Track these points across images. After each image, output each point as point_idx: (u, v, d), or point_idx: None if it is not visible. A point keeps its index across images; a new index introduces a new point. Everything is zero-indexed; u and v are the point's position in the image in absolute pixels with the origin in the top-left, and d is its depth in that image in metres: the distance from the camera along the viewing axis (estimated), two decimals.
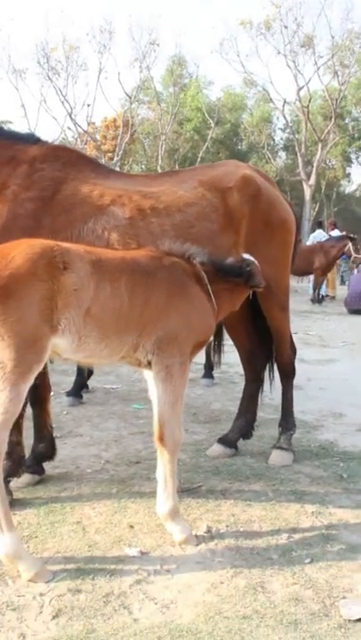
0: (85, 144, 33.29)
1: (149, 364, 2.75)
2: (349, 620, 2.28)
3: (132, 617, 2.26)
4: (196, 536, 2.85)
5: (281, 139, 35.41)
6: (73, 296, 2.49)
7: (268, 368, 4.06)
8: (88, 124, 30.16)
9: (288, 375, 3.91)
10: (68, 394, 5.04)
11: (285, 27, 26.36)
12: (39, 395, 3.34)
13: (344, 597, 2.43)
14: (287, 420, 3.94)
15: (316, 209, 33.44)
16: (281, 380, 3.96)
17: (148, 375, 2.85)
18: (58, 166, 3.08)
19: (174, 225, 3.13)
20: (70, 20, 43.91)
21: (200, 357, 6.47)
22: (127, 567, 2.59)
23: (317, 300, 13.64)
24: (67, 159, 3.15)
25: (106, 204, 3.05)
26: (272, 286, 3.58)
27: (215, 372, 6.09)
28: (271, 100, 30.58)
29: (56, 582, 2.45)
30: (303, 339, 8.91)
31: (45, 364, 3.38)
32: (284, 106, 29.60)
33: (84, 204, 3.02)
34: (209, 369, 6.01)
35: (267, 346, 3.93)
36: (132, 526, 2.94)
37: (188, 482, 3.49)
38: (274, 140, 35.28)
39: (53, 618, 2.23)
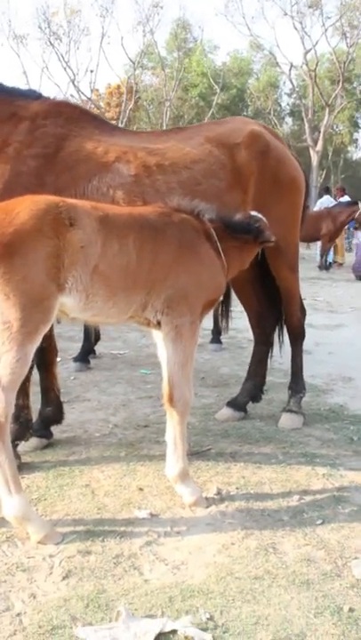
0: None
1: (159, 323, 2.68)
2: None
3: (142, 578, 2.23)
4: (206, 498, 2.82)
5: (288, 104, 34.70)
6: (80, 253, 2.41)
7: (277, 331, 3.98)
8: (91, 90, 29.59)
9: (297, 338, 3.84)
10: (75, 359, 5.00)
11: None
12: (46, 358, 3.29)
13: (356, 558, 2.40)
14: (297, 382, 3.88)
15: (323, 176, 32.88)
16: (290, 343, 3.89)
17: (158, 336, 2.78)
18: (60, 122, 2.96)
19: (181, 182, 3.02)
20: None
21: (208, 322, 6.41)
22: (137, 529, 2.56)
23: (325, 266, 13.49)
24: (69, 115, 3.03)
25: (110, 161, 2.94)
26: (281, 245, 3.48)
27: (223, 338, 6.03)
28: (278, 64, 29.84)
29: (65, 544, 2.42)
30: (311, 304, 8.80)
31: (52, 327, 3.33)
32: (290, 70, 28.87)
33: (88, 162, 2.91)
34: (217, 334, 5.95)
35: (276, 308, 3.86)
36: (141, 489, 2.91)
37: (198, 445, 3.45)
38: (280, 105, 34.57)
39: (63, 579, 2.21)
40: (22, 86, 3.38)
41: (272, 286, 3.77)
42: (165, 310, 2.62)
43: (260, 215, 3.05)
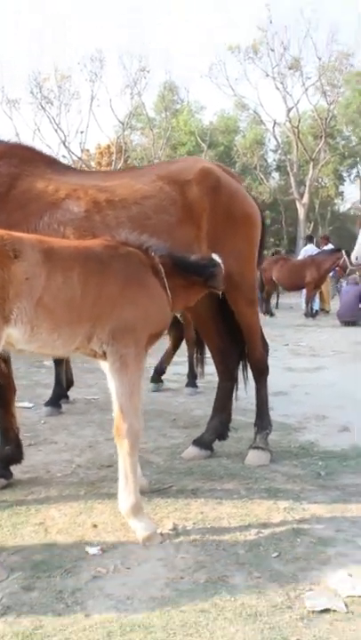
0: None
1: (105, 354, 2.70)
2: (313, 612, 2.17)
3: (84, 613, 2.16)
4: (161, 534, 2.75)
5: (273, 160, 35.78)
6: (24, 285, 2.44)
7: (241, 367, 3.99)
8: (82, 150, 30.52)
9: (261, 373, 3.84)
10: (47, 404, 4.96)
11: (272, 50, 26.84)
12: (4, 396, 3.28)
13: (311, 590, 2.33)
14: (262, 418, 3.85)
15: (311, 228, 33.56)
16: (254, 378, 3.89)
17: (105, 366, 2.78)
18: (14, 162, 3.07)
19: (131, 217, 3.10)
20: (61, 50, 44.76)
21: (183, 368, 6.41)
22: (86, 565, 2.49)
23: (311, 314, 13.57)
24: (23, 156, 3.14)
25: (61, 199, 3.03)
26: (237, 280, 3.54)
27: (199, 382, 6.01)
28: (262, 121, 30.98)
29: (10, 580, 2.35)
30: (294, 350, 8.86)
31: (9, 365, 3.33)
32: (274, 127, 29.97)
33: (40, 199, 3.00)
34: (192, 378, 5.93)
35: (239, 344, 3.87)
36: (95, 525, 2.85)
37: (160, 483, 3.40)
38: (267, 161, 35.64)
39: (2, 615, 2.13)
40: None
41: (234, 322, 3.80)
42: (111, 341, 2.63)
43: (219, 260, 3.11)
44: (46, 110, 28.55)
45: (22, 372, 6.42)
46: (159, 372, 6.07)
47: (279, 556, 2.57)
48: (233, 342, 3.87)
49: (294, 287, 13.92)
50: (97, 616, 2.13)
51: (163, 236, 3.11)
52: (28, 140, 36.46)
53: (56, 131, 28.67)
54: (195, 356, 5.95)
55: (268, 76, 27.76)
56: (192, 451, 3.84)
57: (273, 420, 4.72)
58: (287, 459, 3.86)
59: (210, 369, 6.83)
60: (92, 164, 35.13)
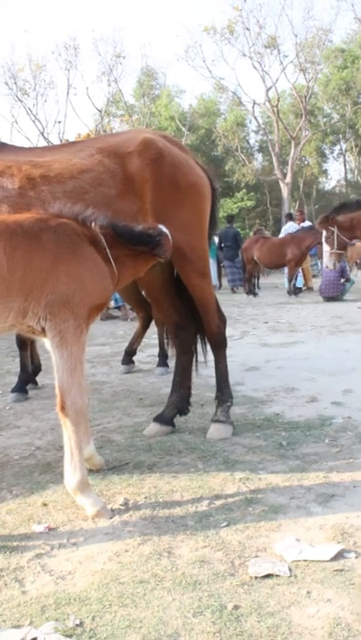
0: None
1: (44, 331, 2.63)
2: (255, 578, 2.14)
3: (22, 589, 2.11)
4: (112, 509, 2.72)
5: (256, 141, 35.56)
6: None
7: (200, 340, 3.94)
8: (60, 140, 30.18)
9: (218, 346, 3.79)
10: (12, 390, 4.90)
11: (248, 29, 26.55)
12: None
13: (256, 556, 2.30)
14: (223, 391, 3.81)
15: (296, 207, 33.49)
16: (212, 351, 3.84)
17: (47, 343, 2.72)
18: None
19: (66, 192, 3.02)
20: (35, 39, 44.20)
21: (154, 348, 6.36)
22: (31, 543, 2.45)
23: (293, 291, 13.54)
24: None
25: None
26: (186, 252, 3.48)
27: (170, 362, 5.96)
28: (242, 102, 30.73)
29: None
30: (273, 327, 8.83)
31: None
32: (253, 107, 29.75)
33: None
34: (163, 357, 5.88)
35: (195, 317, 3.81)
36: (45, 504, 2.80)
37: (117, 460, 3.35)
38: (249, 142, 35.43)
39: None
40: None
41: (189, 296, 3.74)
42: (47, 316, 2.57)
43: (164, 230, 3.05)
44: (23, 102, 28.18)
45: None
46: (130, 354, 6.01)
47: (228, 525, 2.53)
48: (189, 315, 3.81)
49: (276, 265, 13.88)
50: (34, 592, 2.09)
51: (101, 208, 3.03)
52: (5, 132, 36.14)
53: (34, 122, 28.38)
54: (164, 335, 5.89)
55: (245, 55, 27.47)
56: (153, 427, 3.80)
57: (241, 395, 4.77)
58: (250, 431, 3.82)
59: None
60: None
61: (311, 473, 3.08)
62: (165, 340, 5.88)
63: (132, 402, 4.72)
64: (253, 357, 6.34)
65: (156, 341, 6.26)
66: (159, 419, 3.82)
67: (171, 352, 5.89)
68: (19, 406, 4.70)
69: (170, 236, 3.08)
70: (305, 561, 2.23)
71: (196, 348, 3.95)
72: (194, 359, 3.96)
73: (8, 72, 27.51)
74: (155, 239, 2.91)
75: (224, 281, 17.35)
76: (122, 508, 2.74)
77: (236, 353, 6.67)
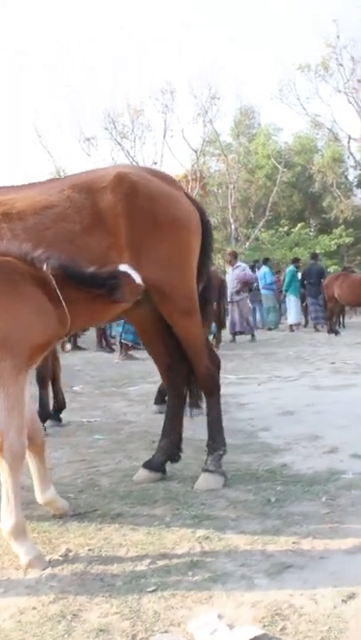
0: None
1: None
2: None
3: None
4: (50, 560, 2.56)
5: (355, 177, 34.56)
6: None
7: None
8: None
9: (208, 390, 3.55)
10: None
11: (341, 65, 26.18)
12: None
13: (166, 631, 2.04)
14: (214, 439, 3.54)
15: None
16: (205, 396, 3.60)
17: None
18: None
19: (27, 228, 2.99)
20: (133, 85, 46.60)
21: None
22: None
23: None
24: None
25: None
26: (166, 290, 3.32)
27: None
28: (338, 138, 30.14)
29: None
30: (336, 368, 8.32)
31: None
32: (349, 142, 29.00)
33: None
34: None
35: (187, 360, 3.60)
36: None
37: (88, 506, 3.20)
38: (347, 178, 34.53)
39: None
40: None
41: None
42: None
43: (128, 270, 2.93)
44: (121, 145, 29.59)
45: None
46: (162, 393, 5.84)
47: (155, 590, 2.29)
48: (181, 358, 3.60)
49: (357, 303, 13.17)
50: None
51: (64, 245, 2.98)
52: None
53: (132, 163, 29.54)
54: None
55: (340, 92, 27.04)
56: (142, 473, 3.61)
57: (259, 442, 4.47)
58: (245, 483, 3.51)
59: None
60: None
61: (283, 537, 2.74)
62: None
63: (143, 444, 4.55)
64: (296, 401, 5.94)
65: None
66: (148, 465, 3.63)
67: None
68: None
69: (135, 277, 2.95)
70: None
71: (188, 392, 3.73)
72: (186, 403, 3.74)
73: (108, 117, 29.09)
74: (108, 283, 2.79)
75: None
76: (60, 559, 2.58)
77: (280, 395, 6.33)
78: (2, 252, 2.68)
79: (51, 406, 5.28)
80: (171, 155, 38.16)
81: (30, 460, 2.90)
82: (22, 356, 2.58)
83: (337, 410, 5.40)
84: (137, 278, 2.96)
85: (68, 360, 10.51)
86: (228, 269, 13.79)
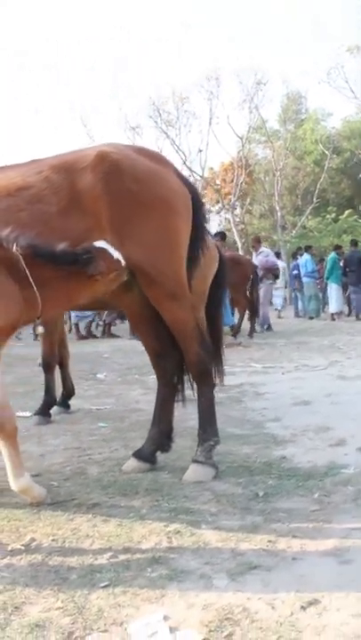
0: (205, 189, 34.14)
1: None
2: None
3: None
4: (11, 549, 2.48)
5: None
6: None
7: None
8: (202, 169, 30.95)
9: (199, 377, 3.37)
10: (36, 413, 4.88)
11: None
12: None
13: (105, 631, 1.91)
14: (205, 429, 3.37)
15: None
16: (195, 384, 3.43)
17: None
18: None
19: (0, 210, 2.90)
20: (179, 72, 46.26)
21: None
22: None
23: None
24: None
25: None
26: (150, 272, 3.16)
27: (226, 392, 5.59)
28: None
29: None
30: None
31: None
32: None
33: None
34: None
35: (178, 346, 3.44)
36: None
37: (68, 495, 3.10)
38: None
39: None
40: None
41: None
42: None
43: (104, 246, 2.82)
44: (167, 133, 29.41)
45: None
46: None
47: (107, 586, 2.16)
48: (170, 343, 3.44)
49: None
50: None
51: (39, 227, 2.87)
52: None
53: (177, 152, 29.37)
54: (211, 362, 5.52)
55: None
56: (131, 463, 3.48)
57: (264, 433, 4.26)
58: (237, 475, 3.33)
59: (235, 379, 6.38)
60: (218, 181, 35.48)
61: (260, 535, 2.56)
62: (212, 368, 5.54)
63: (144, 433, 4.33)
64: (316, 391, 5.67)
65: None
66: (138, 454, 3.50)
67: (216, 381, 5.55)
68: (35, 429, 4.65)
69: (113, 253, 2.82)
70: None
71: (179, 380, 3.57)
72: (177, 391, 3.58)
73: (153, 105, 28.93)
74: (81, 258, 2.68)
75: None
76: (22, 548, 2.49)
77: (302, 385, 6.08)
78: None
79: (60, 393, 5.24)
80: (216, 142, 37.71)
81: (2, 447, 2.82)
82: None
83: (357, 400, 5.12)
84: (115, 254, 2.83)
85: (98, 348, 10.55)
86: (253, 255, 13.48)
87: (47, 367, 5.00)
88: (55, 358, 5.08)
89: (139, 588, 2.14)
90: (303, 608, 1.96)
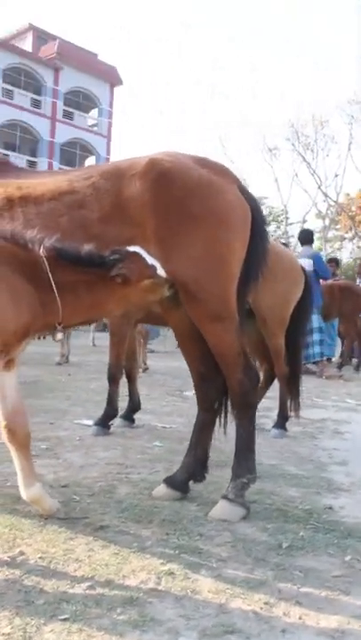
0: (339, 215, 33.10)
1: None
2: None
3: None
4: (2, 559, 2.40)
5: None
6: None
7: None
8: (337, 194, 30.02)
9: (239, 407, 3.08)
10: (95, 423, 4.85)
11: None
12: None
13: None
14: (240, 463, 3.08)
15: None
16: (235, 414, 3.14)
17: None
18: None
19: (40, 213, 2.86)
20: (319, 97, 45.41)
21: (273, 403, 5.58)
22: None
23: None
24: None
25: None
26: (193, 290, 2.95)
27: (303, 426, 5.20)
28: None
29: None
30: None
31: None
32: None
33: None
34: (282, 419, 5.15)
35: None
36: None
37: (83, 512, 2.97)
38: None
39: None
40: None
41: None
42: None
43: (139, 251, 2.69)
44: (303, 156, 28.98)
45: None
46: None
47: (66, 620, 1.98)
48: (217, 368, 3.19)
49: None
50: None
51: (78, 233, 2.80)
52: (286, 185, 37.75)
53: (312, 175, 28.80)
54: (286, 394, 5.16)
55: None
56: (161, 489, 3.28)
57: (323, 477, 3.86)
58: (267, 520, 3.00)
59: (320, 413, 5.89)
60: (353, 207, 34.18)
61: (259, 593, 2.24)
62: (287, 400, 5.19)
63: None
64: None
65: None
66: (169, 481, 3.29)
67: (293, 413, 5.18)
68: (89, 439, 4.61)
69: (148, 259, 2.67)
70: None
71: (222, 406, 3.31)
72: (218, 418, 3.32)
73: (291, 128, 28.67)
74: (108, 260, 2.56)
75: None
76: (7, 560, 2.40)
77: None
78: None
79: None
80: (354, 167, 36.50)
81: (13, 454, 2.77)
82: None
83: None
84: (150, 260, 2.68)
85: None
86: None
87: (112, 379, 4.96)
88: (121, 370, 5.03)
89: (96, 630, 1.93)
90: None
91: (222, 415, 3.35)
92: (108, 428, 4.85)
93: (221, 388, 3.25)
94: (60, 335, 2.70)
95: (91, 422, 5.00)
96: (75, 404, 6.08)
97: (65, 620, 1.99)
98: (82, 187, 2.96)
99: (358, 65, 51.33)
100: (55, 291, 2.56)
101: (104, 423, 4.82)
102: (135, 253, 2.67)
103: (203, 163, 3.17)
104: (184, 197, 2.95)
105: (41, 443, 4.35)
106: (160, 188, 2.93)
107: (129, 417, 5.17)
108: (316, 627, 2.02)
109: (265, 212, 27.84)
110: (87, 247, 2.62)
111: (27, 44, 35.50)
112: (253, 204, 3.22)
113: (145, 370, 9.46)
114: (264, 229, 3.26)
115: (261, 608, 2.13)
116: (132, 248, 2.71)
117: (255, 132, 39.75)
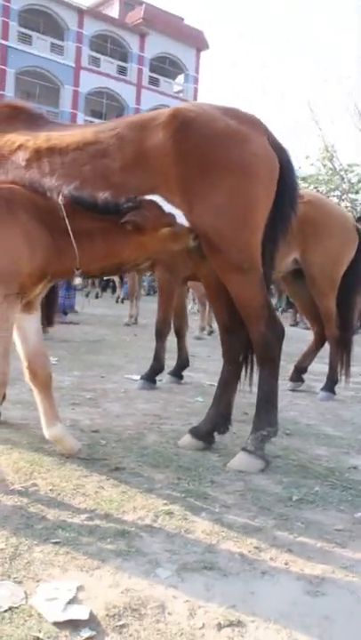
0: None
1: None
2: None
3: None
4: (11, 489, 2.55)
5: None
6: None
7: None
8: None
9: (262, 359, 3.03)
10: (141, 377, 4.95)
11: None
12: None
13: (20, 582, 1.85)
14: (260, 417, 3.06)
15: None
16: (257, 363, 3.11)
17: None
18: None
19: (64, 163, 2.91)
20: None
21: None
22: None
23: None
24: (7, 115, 3.29)
25: (13, 150, 3.06)
26: (215, 241, 2.92)
27: (356, 391, 5.05)
28: None
29: None
30: None
31: None
32: None
33: None
34: (331, 382, 5.02)
35: None
36: None
37: (104, 455, 3.08)
38: None
39: None
40: None
41: None
42: None
43: (157, 200, 2.70)
44: None
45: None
46: (299, 371, 5.33)
47: (57, 543, 2.09)
48: (241, 320, 3.16)
49: None
50: None
51: (99, 182, 2.84)
52: None
53: None
54: (337, 357, 5.01)
55: None
56: (186, 439, 3.33)
57: (358, 439, 3.74)
58: (287, 474, 2.98)
59: None
60: None
61: (253, 538, 2.25)
62: (337, 363, 5.05)
63: (235, 415, 4.19)
64: None
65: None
66: (194, 431, 3.33)
67: (342, 376, 5.04)
68: (133, 392, 4.72)
69: (166, 207, 2.67)
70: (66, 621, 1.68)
71: (247, 359, 3.28)
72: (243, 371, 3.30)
73: None
74: (123, 207, 2.59)
75: None
76: (21, 489, 2.55)
77: None
78: (12, 181, 2.69)
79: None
80: None
81: (35, 395, 2.90)
82: (7, 283, 2.55)
83: None
84: (168, 208, 2.68)
85: None
86: None
87: (159, 335, 5.03)
88: (169, 326, 5.08)
89: (82, 554, 2.03)
90: (219, 627, 1.66)
91: (248, 369, 3.32)
92: (155, 382, 4.94)
93: (245, 341, 3.21)
94: (78, 280, 2.77)
95: (136, 377, 5.12)
96: (131, 362, 6.22)
97: (56, 543, 2.10)
98: (106, 137, 2.99)
99: (358, 65, 47.37)
100: (72, 237, 2.62)
101: (150, 378, 4.92)
102: (151, 201, 2.67)
103: (232, 113, 3.08)
104: (207, 147, 2.89)
105: (87, 393, 4.52)
106: (183, 138, 2.89)
107: (177, 373, 5.24)
108: (298, 573, 2.01)
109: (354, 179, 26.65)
110: (104, 195, 2.65)
111: (113, 11, 35.54)
112: (283, 156, 3.11)
113: (210, 333, 9.48)
114: (294, 181, 3.15)
115: (250, 552, 2.14)
116: (149, 197, 2.71)
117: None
